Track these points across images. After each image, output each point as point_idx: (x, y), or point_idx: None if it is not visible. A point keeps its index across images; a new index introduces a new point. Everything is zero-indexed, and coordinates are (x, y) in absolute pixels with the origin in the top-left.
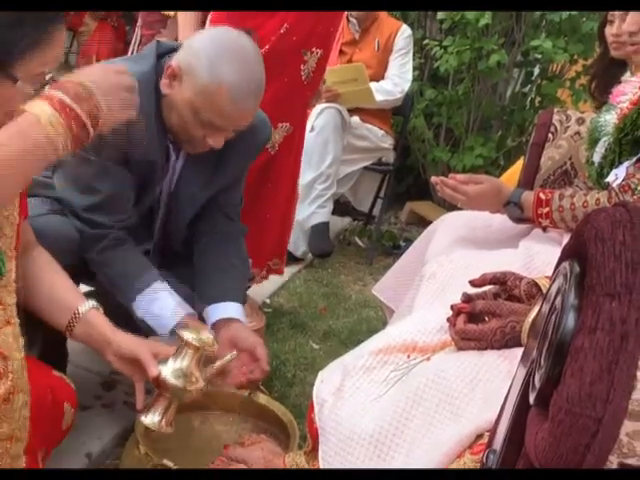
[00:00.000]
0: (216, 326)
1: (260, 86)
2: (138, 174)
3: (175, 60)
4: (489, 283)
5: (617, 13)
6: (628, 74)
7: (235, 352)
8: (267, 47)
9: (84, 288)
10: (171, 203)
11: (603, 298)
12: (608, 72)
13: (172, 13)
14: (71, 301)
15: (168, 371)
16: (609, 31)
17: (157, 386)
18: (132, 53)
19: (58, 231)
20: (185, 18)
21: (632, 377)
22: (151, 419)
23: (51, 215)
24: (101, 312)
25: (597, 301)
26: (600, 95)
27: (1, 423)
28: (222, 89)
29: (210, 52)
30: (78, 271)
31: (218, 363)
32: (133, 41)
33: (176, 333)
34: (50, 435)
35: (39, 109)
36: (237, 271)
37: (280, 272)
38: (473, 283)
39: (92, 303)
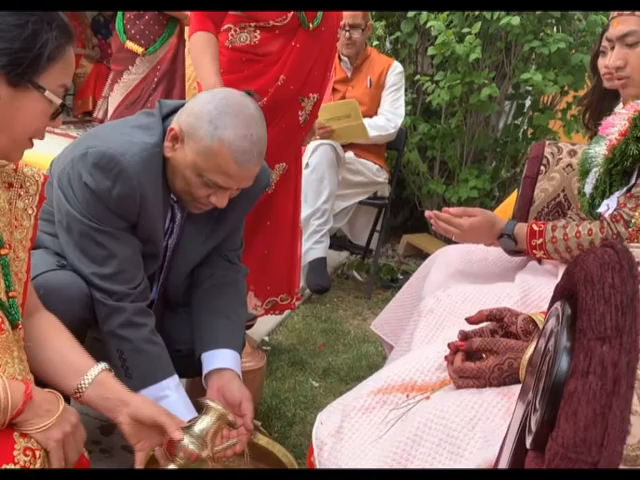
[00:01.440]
0: (209, 374)
1: (262, 145)
2: (143, 237)
3: (176, 123)
4: (486, 320)
5: (608, 45)
6: (620, 105)
7: (236, 439)
8: (266, 99)
9: None
10: (173, 258)
11: (594, 342)
12: (601, 103)
13: (141, 52)
14: (81, 364)
15: (189, 437)
16: (601, 62)
17: (169, 452)
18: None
19: (69, 285)
20: (207, 67)
21: (626, 421)
22: None
23: (59, 270)
24: (113, 374)
25: (588, 345)
26: (593, 125)
27: None
28: (224, 149)
29: (212, 113)
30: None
31: (223, 446)
32: None
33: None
34: None
35: None
36: (234, 317)
37: (291, 307)
38: (470, 320)
39: (103, 365)
